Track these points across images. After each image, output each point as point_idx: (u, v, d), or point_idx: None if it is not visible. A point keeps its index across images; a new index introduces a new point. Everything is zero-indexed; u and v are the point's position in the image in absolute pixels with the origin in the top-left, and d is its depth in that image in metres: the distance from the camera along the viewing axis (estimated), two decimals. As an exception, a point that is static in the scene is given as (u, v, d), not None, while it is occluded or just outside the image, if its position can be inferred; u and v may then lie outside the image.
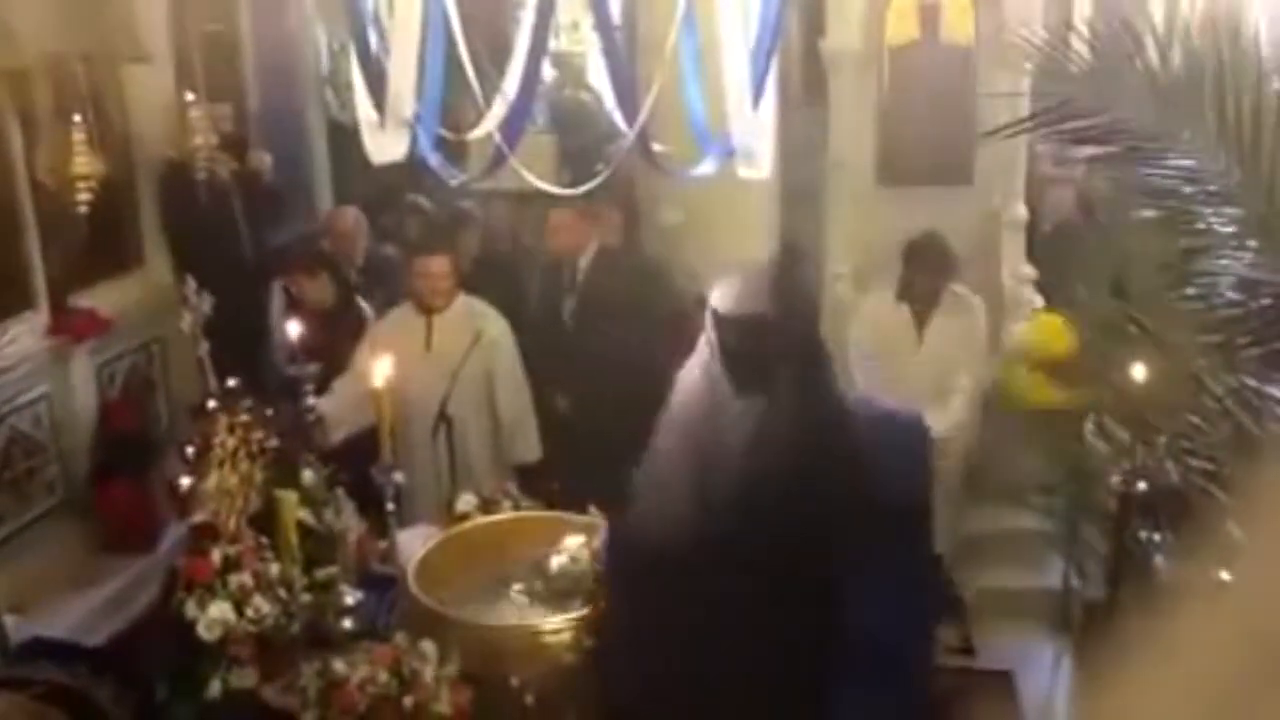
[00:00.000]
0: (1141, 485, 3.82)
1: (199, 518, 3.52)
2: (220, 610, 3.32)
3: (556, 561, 3.41)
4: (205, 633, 3.31)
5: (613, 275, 5.55)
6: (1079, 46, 6.77)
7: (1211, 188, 3.32)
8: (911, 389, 5.11)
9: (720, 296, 2.64)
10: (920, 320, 5.15)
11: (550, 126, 6.21)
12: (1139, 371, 3.81)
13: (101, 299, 5.50)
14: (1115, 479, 3.87)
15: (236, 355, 4.91)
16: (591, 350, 5.25)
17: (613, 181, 5.10)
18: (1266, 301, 3.11)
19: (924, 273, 5.09)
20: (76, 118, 5.06)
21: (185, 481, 3.49)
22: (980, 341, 5.16)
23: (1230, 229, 3.25)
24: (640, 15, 5.82)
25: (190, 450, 3.60)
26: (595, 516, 3.58)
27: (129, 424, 5.38)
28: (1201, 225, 3.31)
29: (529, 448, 5.02)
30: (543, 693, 3.16)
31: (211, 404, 3.56)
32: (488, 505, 3.87)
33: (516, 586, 3.47)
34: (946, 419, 5.03)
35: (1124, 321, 4.16)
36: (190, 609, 3.34)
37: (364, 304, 5.49)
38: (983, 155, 5.73)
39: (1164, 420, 3.78)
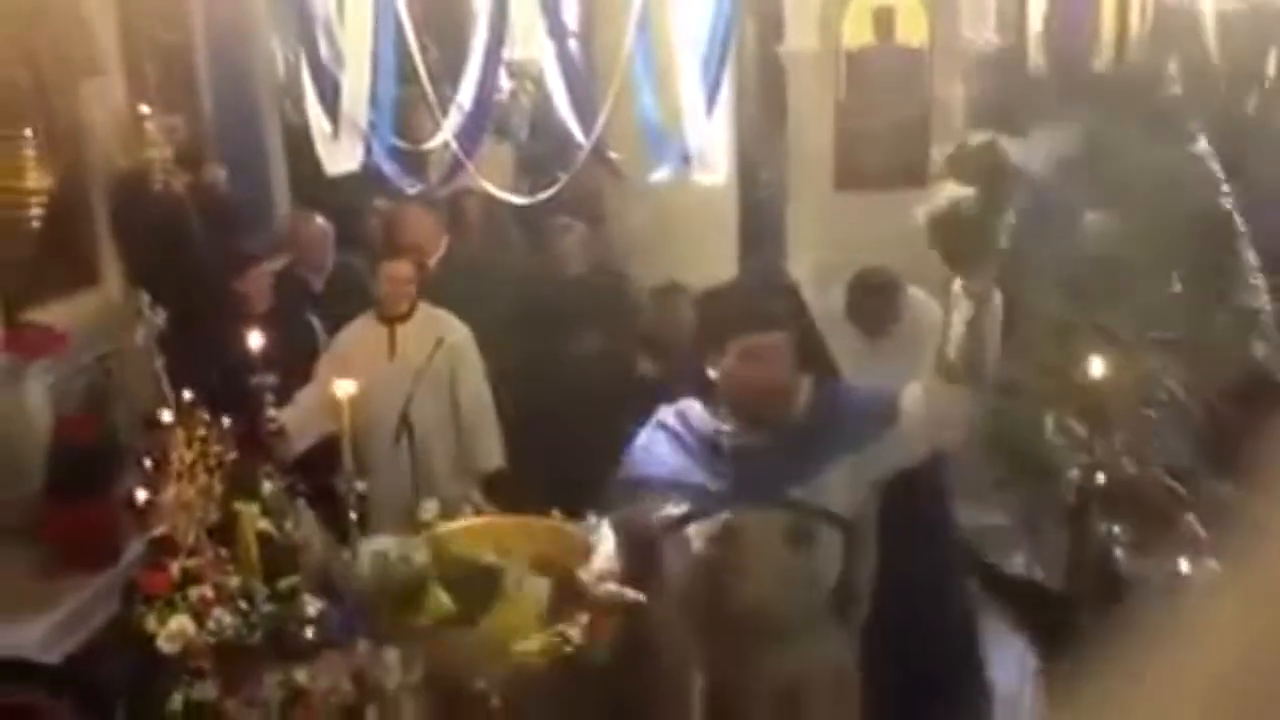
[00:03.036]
0: (1100, 479, 3.86)
1: (157, 532, 3.49)
2: (180, 623, 3.29)
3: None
4: (165, 645, 3.28)
5: (461, 275, 5.65)
6: (1033, 51, 6.88)
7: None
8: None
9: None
10: (872, 331, 5.12)
11: (508, 134, 6.23)
12: (1095, 367, 3.85)
13: (56, 315, 5.42)
14: (1073, 473, 3.91)
15: (195, 367, 4.88)
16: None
17: (576, 188, 5.11)
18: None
19: (868, 307, 5.06)
20: (26, 131, 5.00)
21: (142, 495, 3.46)
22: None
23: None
24: (597, 23, 5.85)
25: (148, 464, 3.56)
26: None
27: (85, 440, 5.30)
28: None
29: (491, 454, 5.00)
30: (508, 695, 3.15)
31: (167, 417, 3.52)
32: (450, 513, 3.86)
33: None
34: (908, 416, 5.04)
35: (1079, 318, 4.22)
36: (150, 623, 3.31)
37: (313, 318, 5.42)
38: (939, 156, 5.77)
39: (1120, 415, 3.83)
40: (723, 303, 3.02)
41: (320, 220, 6.09)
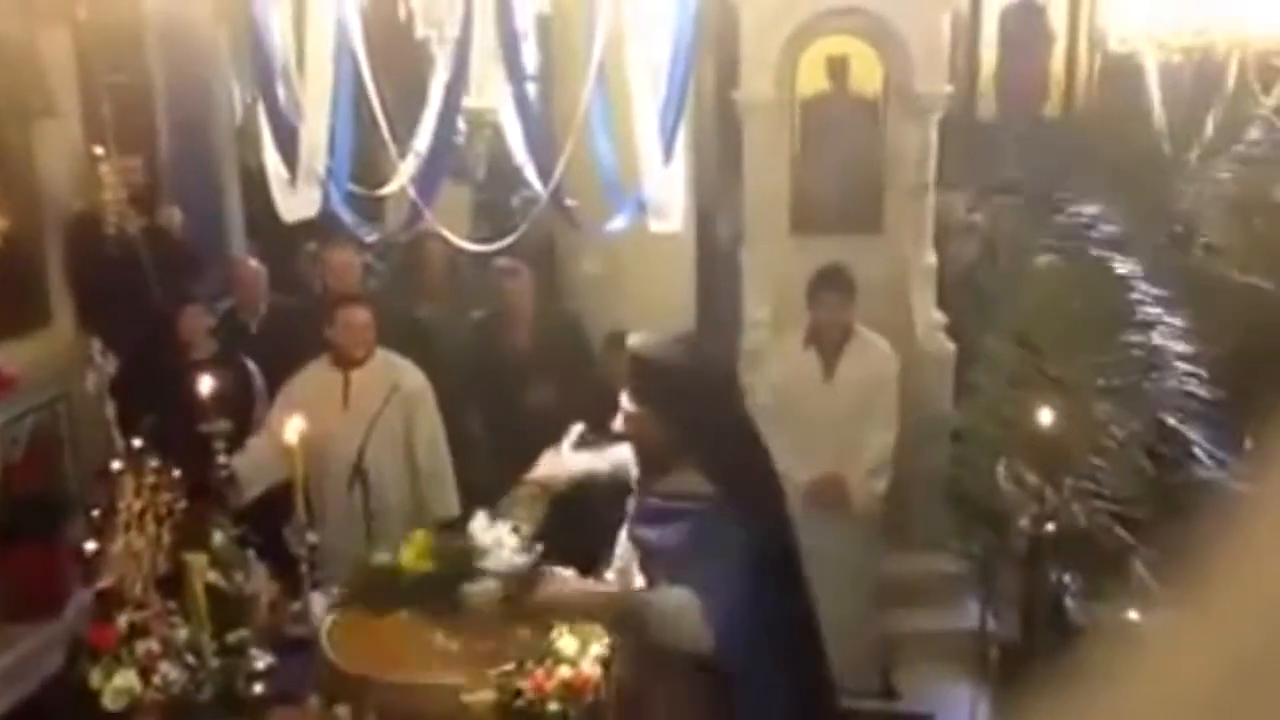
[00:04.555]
0: (1050, 527, 3.90)
1: (104, 583, 3.43)
2: (126, 679, 3.24)
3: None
4: (111, 702, 3.23)
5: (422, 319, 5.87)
6: (984, 99, 6.97)
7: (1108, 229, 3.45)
8: (821, 433, 5.19)
9: None
10: (828, 365, 5.22)
11: (465, 177, 6.24)
12: (1045, 416, 3.90)
13: (5, 357, 5.35)
14: (1024, 521, 3.95)
15: (145, 413, 4.82)
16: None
17: (531, 232, 5.13)
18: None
19: (828, 299, 5.16)
20: (-21, 172, 4.95)
21: (90, 546, 3.41)
22: (891, 383, 5.24)
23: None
24: (555, 71, 5.89)
25: (95, 513, 3.51)
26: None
27: (33, 486, 5.22)
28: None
29: (447, 503, 4.97)
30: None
31: (116, 465, 3.48)
32: (404, 564, 3.82)
33: None
34: (864, 464, 5.11)
35: (1030, 367, 4.28)
36: (95, 678, 3.25)
37: (248, 361, 5.38)
38: (892, 203, 5.86)
39: (1069, 463, 3.88)
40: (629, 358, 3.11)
41: (253, 263, 6.11)
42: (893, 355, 5.29)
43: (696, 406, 2.94)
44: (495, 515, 3.34)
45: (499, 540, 3.23)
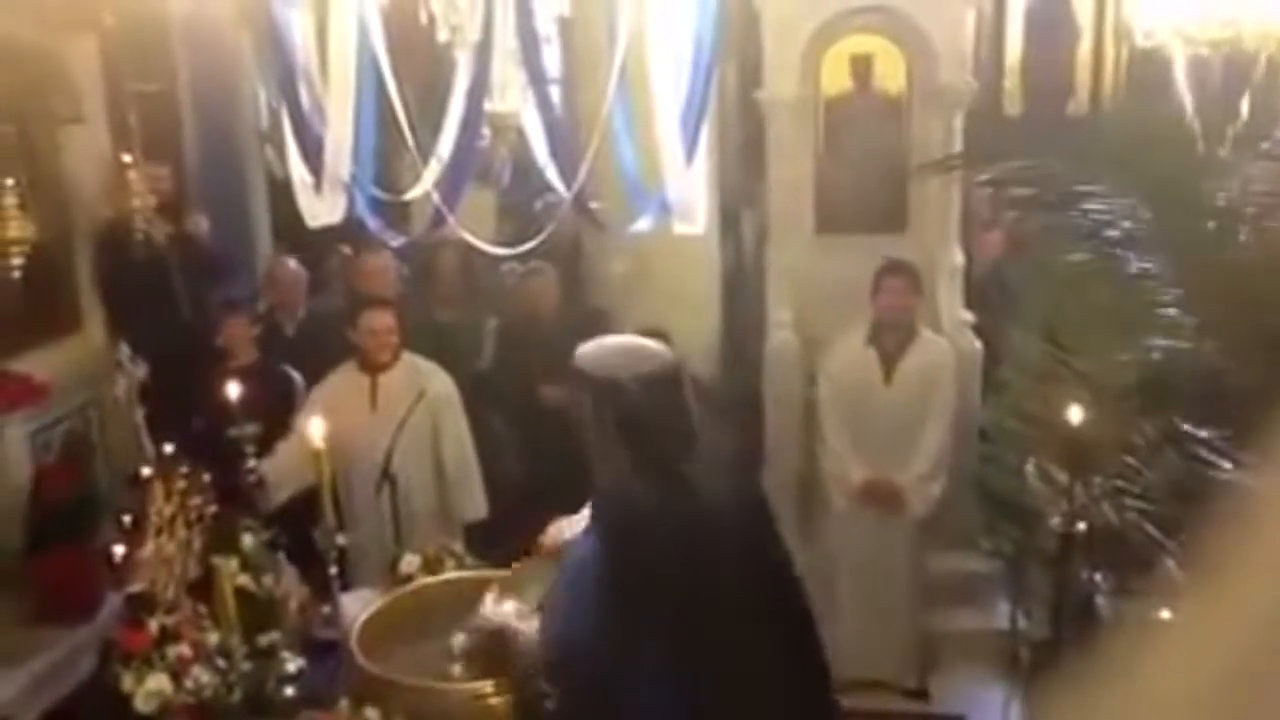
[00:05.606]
0: (1080, 526, 3.87)
1: (135, 587, 3.46)
2: (158, 682, 3.26)
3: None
4: (143, 705, 3.24)
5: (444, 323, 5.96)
6: (1009, 95, 6.91)
7: (1127, 225, 3.41)
8: (878, 435, 5.17)
9: None
10: (889, 367, 5.21)
11: (489, 181, 6.26)
12: (1075, 414, 3.87)
13: (37, 364, 5.40)
14: (1055, 520, 3.92)
15: (175, 419, 4.86)
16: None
17: (557, 235, 5.14)
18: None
19: (893, 284, 5.16)
20: (9, 181, 4.99)
21: (118, 551, 3.43)
22: (949, 385, 5.22)
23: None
24: (577, 73, 5.90)
25: (126, 519, 3.54)
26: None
27: (65, 491, 5.26)
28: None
29: (475, 505, 4.99)
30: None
31: (147, 471, 3.51)
32: (432, 565, 3.83)
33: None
34: (920, 467, 5.09)
35: (1057, 365, 4.24)
36: (127, 682, 3.27)
37: (289, 368, 5.40)
38: (917, 202, 5.83)
39: (1099, 461, 3.84)
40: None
41: (294, 264, 6.12)
42: (952, 355, 5.28)
43: (589, 415, 2.71)
44: (506, 593, 3.18)
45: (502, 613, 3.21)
